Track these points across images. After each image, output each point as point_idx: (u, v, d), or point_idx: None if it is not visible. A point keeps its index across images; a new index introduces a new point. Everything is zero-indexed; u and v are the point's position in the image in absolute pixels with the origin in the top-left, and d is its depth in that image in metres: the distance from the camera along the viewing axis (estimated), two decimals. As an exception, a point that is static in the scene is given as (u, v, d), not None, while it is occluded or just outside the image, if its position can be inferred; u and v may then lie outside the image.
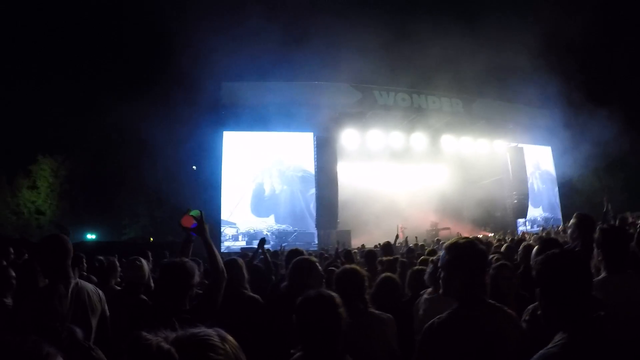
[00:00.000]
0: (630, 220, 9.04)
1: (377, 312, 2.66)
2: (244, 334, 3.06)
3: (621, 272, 2.40)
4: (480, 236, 14.22)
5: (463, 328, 1.82)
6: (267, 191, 19.07)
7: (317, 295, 1.91)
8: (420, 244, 11.52)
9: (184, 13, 19.62)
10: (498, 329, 1.81)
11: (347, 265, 2.93)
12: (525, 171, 21.97)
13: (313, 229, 18.23)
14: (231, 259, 3.52)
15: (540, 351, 1.44)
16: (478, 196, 21.36)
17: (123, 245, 14.93)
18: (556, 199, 24.78)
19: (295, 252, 3.90)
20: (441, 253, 2.09)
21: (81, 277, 4.92)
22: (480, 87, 21.28)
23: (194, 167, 18.74)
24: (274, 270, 5.42)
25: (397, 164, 20.76)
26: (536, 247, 3.55)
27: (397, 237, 10.13)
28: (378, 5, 22.66)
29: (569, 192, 25.00)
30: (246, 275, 3.44)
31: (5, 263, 4.86)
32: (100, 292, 2.72)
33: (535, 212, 23.33)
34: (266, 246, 6.00)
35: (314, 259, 3.29)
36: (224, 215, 18.04)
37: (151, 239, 18.37)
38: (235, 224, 18.55)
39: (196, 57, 17.30)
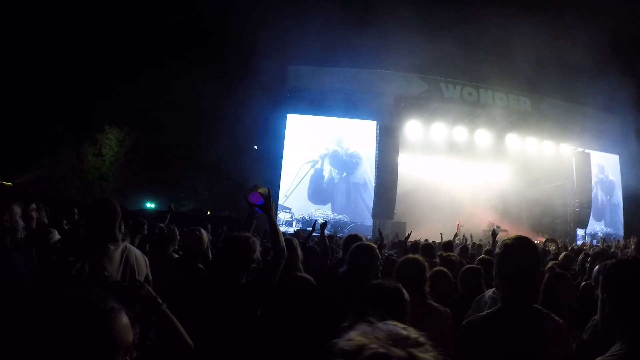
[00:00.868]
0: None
1: (435, 304, 2.61)
2: (294, 313, 2.96)
3: None
4: (538, 242, 13.64)
5: (500, 329, 1.74)
6: (326, 177, 18.91)
7: (386, 286, 1.94)
8: (477, 243, 11.17)
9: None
10: (539, 335, 1.70)
11: (410, 255, 2.91)
12: (591, 179, 20.87)
13: (369, 222, 18.02)
14: (286, 238, 3.52)
15: (598, 359, 1.35)
16: (539, 200, 20.55)
17: (181, 216, 15.34)
18: (619, 213, 23.39)
19: (354, 238, 3.91)
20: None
21: (141, 241, 4.97)
22: (550, 86, 20.43)
23: (256, 146, 18.96)
24: (329, 253, 5.38)
25: (459, 159, 20.27)
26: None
27: (455, 235, 9.90)
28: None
29: (634, 207, 23.54)
30: (300, 256, 3.44)
31: (66, 223, 5.04)
32: (145, 257, 2.67)
33: (596, 226, 22.08)
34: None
35: (374, 245, 3.22)
36: (279, 200, 18.03)
37: (208, 212, 18.78)
38: (290, 209, 18.40)
39: (264, 39, 17.48)
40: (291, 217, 18.18)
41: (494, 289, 3.09)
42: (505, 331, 1.72)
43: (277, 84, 18.09)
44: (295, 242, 3.47)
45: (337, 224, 17.96)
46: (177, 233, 4.34)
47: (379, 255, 3.09)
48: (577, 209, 20.29)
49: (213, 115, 17.74)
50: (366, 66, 18.24)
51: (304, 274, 3.37)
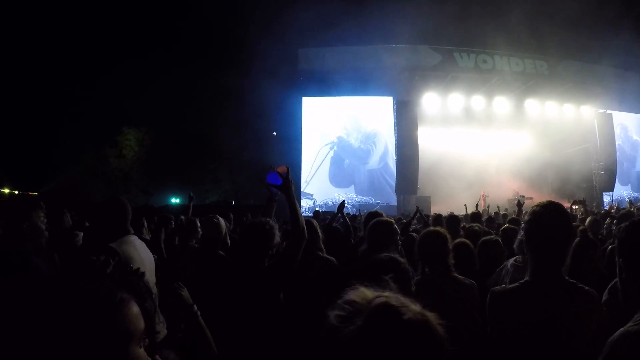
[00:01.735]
0: None
1: (460, 277, 2.52)
2: (317, 294, 2.87)
3: None
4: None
5: (529, 303, 1.61)
6: (347, 159, 18.72)
7: (380, 258, 1.88)
8: (502, 212, 11.00)
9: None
10: (571, 309, 1.56)
11: (431, 228, 2.83)
12: (614, 140, 20.42)
13: (394, 201, 17.89)
14: (306, 219, 3.41)
15: (620, 330, 1.21)
16: (563, 165, 20.18)
17: (206, 208, 15.54)
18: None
19: (374, 214, 3.84)
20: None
21: (167, 236, 5.16)
22: (566, 47, 19.90)
23: (275, 133, 19.02)
24: (352, 233, 5.34)
25: (479, 129, 20.01)
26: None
27: (477, 205, 9.74)
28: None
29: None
30: (321, 235, 3.39)
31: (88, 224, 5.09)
32: (146, 249, 2.75)
33: (622, 191, 21.53)
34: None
35: (391, 220, 3.14)
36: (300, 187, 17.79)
37: (232, 202, 18.96)
38: (312, 195, 18.13)
39: (272, 24, 17.43)
40: (314, 203, 17.85)
41: (515, 257, 3.03)
42: (534, 305, 1.60)
43: (290, 69, 18.06)
44: (315, 223, 3.42)
45: (362, 207, 17.66)
46: (198, 224, 4.32)
47: (397, 230, 3.02)
48: (602, 172, 19.91)
49: (229, 106, 17.84)
50: (376, 42, 18.04)
51: (326, 255, 3.34)
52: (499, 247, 3.60)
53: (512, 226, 4.32)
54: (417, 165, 16.78)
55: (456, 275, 2.53)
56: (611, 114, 20.45)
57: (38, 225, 2.35)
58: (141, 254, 2.62)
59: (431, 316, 0.72)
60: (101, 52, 21.83)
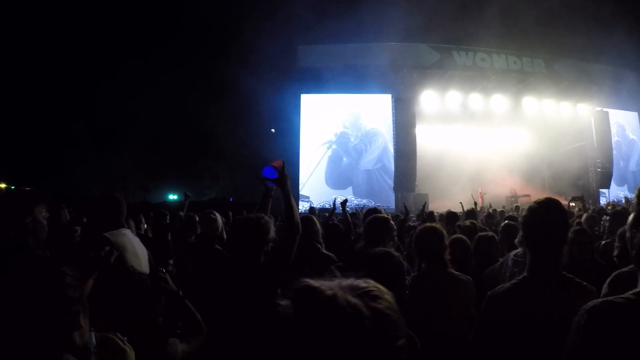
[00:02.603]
0: None
1: (456, 273, 2.54)
2: None
3: None
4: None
5: (528, 299, 1.63)
6: (345, 159, 18.58)
7: (373, 252, 1.91)
8: (499, 210, 11.09)
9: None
10: (569, 305, 1.55)
11: (427, 224, 2.82)
12: (610, 138, 20.52)
13: (394, 204, 17.77)
14: (306, 215, 3.48)
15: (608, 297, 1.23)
16: (560, 163, 20.31)
17: (204, 205, 15.54)
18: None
19: (373, 211, 3.81)
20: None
21: (160, 232, 5.16)
22: (563, 46, 20.00)
23: (273, 130, 19.03)
24: (352, 230, 5.35)
25: (477, 126, 20.13)
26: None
27: (475, 204, 9.75)
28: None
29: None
30: (320, 230, 3.40)
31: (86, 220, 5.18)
32: (139, 245, 2.79)
33: (619, 192, 21.43)
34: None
35: (387, 216, 3.17)
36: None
37: (230, 198, 19.00)
38: (308, 197, 17.64)
39: (272, 21, 17.39)
40: (309, 205, 17.17)
41: (516, 251, 3.05)
42: (533, 301, 1.62)
43: (289, 65, 18.08)
44: (314, 218, 3.46)
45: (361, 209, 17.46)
46: (197, 220, 4.39)
47: (394, 226, 3.04)
48: (598, 169, 20.04)
49: (228, 103, 17.83)
50: (375, 40, 18.06)
51: (326, 251, 3.36)
52: (494, 243, 3.67)
53: (513, 222, 4.42)
54: (415, 162, 16.83)
55: (452, 271, 2.55)
56: (607, 112, 20.54)
57: (40, 220, 2.35)
58: (135, 246, 2.64)
59: (341, 293, 0.70)
60: (100, 49, 21.78)
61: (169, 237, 5.06)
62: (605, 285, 2.13)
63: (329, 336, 0.66)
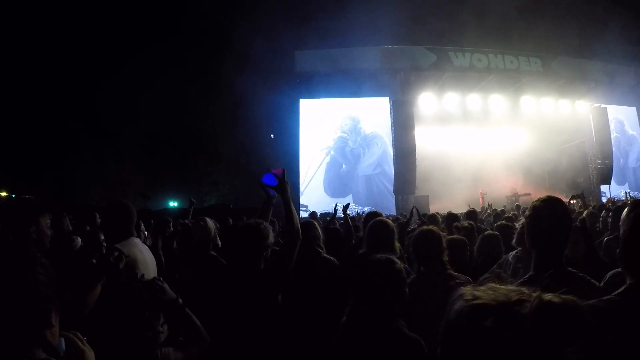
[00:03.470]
0: None
1: (456, 274, 2.54)
2: (319, 294, 2.94)
3: None
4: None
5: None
6: (344, 165, 18.43)
7: (375, 259, 1.92)
8: (500, 209, 11.11)
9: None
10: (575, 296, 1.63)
11: (424, 227, 2.81)
12: (610, 133, 20.56)
13: (394, 207, 17.71)
14: (307, 220, 3.51)
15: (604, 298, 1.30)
16: (560, 160, 20.37)
17: (204, 212, 15.49)
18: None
19: (373, 215, 3.89)
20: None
21: (165, 239, 5.11)
22: (559, 43, 20.07)
23: (272, 135, 19.07)
24: (353, 234, 5.38)
25: (476, 127, 20.15)
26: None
27: (486, 208, 9.69)
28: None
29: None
30: (321, 236, 3.43)
31: (89, 228, 5.09)
32: (149, 254, 2.82)
33: (620, 191, 21.25)
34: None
35: (389, 220, 3.20)
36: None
37: (231, 205, 18.99)
38: (307, 207, 17.19)
39: (270, 27, 17.49)
40: (308, 216, 17.45)
41: (516, 250, 3.08)
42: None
43: (287, 70, 18.15)
44: (315, 223, 3.48)
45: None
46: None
47: (395, 229, 3.06)
48: (599, 166, 20.05)
49: (227, 109, 17.88)
50: (372, 43, 18.14)
51: (327, 255, 3.37)
52: (498, 242, 3.67)
53: (507, 223, 4.44)
54: (415, 165, 16.86)
55: (451, 272, 2.54)
56: (606, 108, 20.58)
57: (44, 230, 2.40)
58: (145, 256, 2.68)
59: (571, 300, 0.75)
60: (100, 54, 21.86)
61: (175, 245, 5.07)
62: (603, 283, 2.15)
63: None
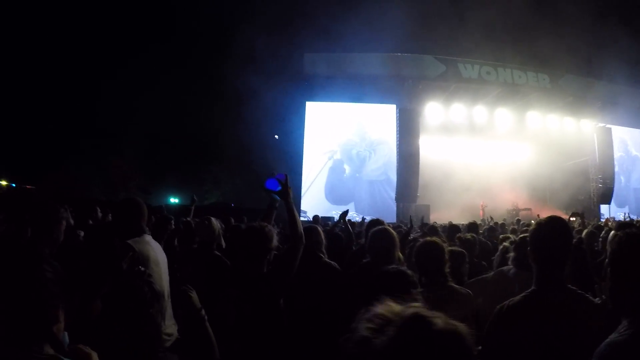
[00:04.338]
0: None
1: (457, 286, 2.56)
2: (320, 299, 2.94)
3: None
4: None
5: (536, 312, 1.70)
6: (347, 171, 18.25)
7: (391, 271, 1.92)
8: (500, 222, 11.09)
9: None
10: (575, 317, 1.66)
11: (428, 238, 2.82)
12: (613, 153, 20.65)
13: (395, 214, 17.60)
14: (310, 225, 3.53)
15: (606, 340, 1.28)
16: (562, 178, 20.35)
17: (205, 210, 15.41)
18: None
19: (375, 222, 3.91)
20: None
21: (167, 237, 5.19)
22: (568, 62, 20.11)
23: (276, 136, 19.03)
24: (354, 240, 5.40)
25: (480, 139, 20.18)
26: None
27: (489, 220, 9.70)
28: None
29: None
30: (324, 241, 3.45)
31: (91, 222, 5.14)
32: (160, 251, 2.83)
33: (619, 214, 21.21)
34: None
35: (392, 230, 3.17)
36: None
37: (232, 204, 18.92)
38: (305, 212, 16.68)
39: (280, 28, 17.49)
40: (312, 219, 16.71)
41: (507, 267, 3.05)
42: (541, 314, 1.69)
43: (295, 72, 18.11)
44: (318, 228, 3.49)
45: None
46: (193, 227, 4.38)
47: (395, 237, 3.05)
48: (600, 185, 20.10)
49: (232, 107, 17.86)
50: (382, 50, 18.12)
51: (329, 260, 3.38)
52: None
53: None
54: (418, 174, 16.83)
55: (453, 284, 2.55)
56: (610, 129, 20.64)
57: (61, 232, 2.49)
58: (157, 253, 2.69)
59: (460, 326, 0.73)
60: (102, 52, 21.85)
61: (176, 243, 5.03)
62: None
63: None
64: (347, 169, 18.62)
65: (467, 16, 18.42)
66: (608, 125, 20.73)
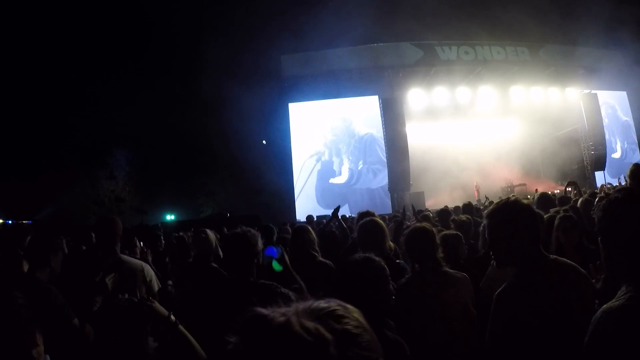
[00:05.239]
0: None
1: (451, 270, 2.52)
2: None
3: None
4: (557, 192, 13.47)
5: (530, 292, 1.69)
6: (337, 171, 18.14)
7: (353, 259, 1.93)
8: (490, 200, 11.05)
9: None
10: (568, 290, 1.66)
11: (417, 224, 2.83)
12: (601, 119, 20.54)
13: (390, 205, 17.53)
14: (301, 225, 3.61)
15: (604, 306, 1.26)
16: (553, 149, 20.35)
17: (201, 223, 15.35)
18: (635, 154, 22.62)
19: (365, 214, 3.87)
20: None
21: (158, 254, 5.09)
22: (546, 31, 20.10)
23: (264, 141, 18.99)
24: (349, 235, 5.28)
25: (467, 120, 20.09)
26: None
27: (486, 200, 9.70)
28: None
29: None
30: (315, 239, 3.47)
31: (85, 248, 5.15)
32: (147, 268, 2.94)
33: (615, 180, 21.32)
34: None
35: (380, 220, 3.18)
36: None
37: (228, 214, 18.85)
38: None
39: (254, 33, 17.46)
40: (305, 219, 16.59)
41: None
42: (530, 288, 1.70)
43: (274, 76, 18.15)
44: (309, 227, 3.52)
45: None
46: (188, 241, 4.37)
47: (384, 227, 3.06)
48: (592, 152, 20.04)
49: (218, 118, 17.84)
50: (357, 42, 18.10)
51: (323, 259, 3.38)
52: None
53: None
54: (408, 161, 16.76)
55: (447, 269, 2.51)
56: (596, 94, 20.59)
57: (59, 262, 2.64)
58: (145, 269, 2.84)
59: (294, 322, 0.63)
60: (88, 72, 21.78)
61: (167, 260, 5.03)
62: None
63: None
64: (337, 169, 18.47)
65: (440, -1, 18.45)
66: (594, 91, 20.69)
